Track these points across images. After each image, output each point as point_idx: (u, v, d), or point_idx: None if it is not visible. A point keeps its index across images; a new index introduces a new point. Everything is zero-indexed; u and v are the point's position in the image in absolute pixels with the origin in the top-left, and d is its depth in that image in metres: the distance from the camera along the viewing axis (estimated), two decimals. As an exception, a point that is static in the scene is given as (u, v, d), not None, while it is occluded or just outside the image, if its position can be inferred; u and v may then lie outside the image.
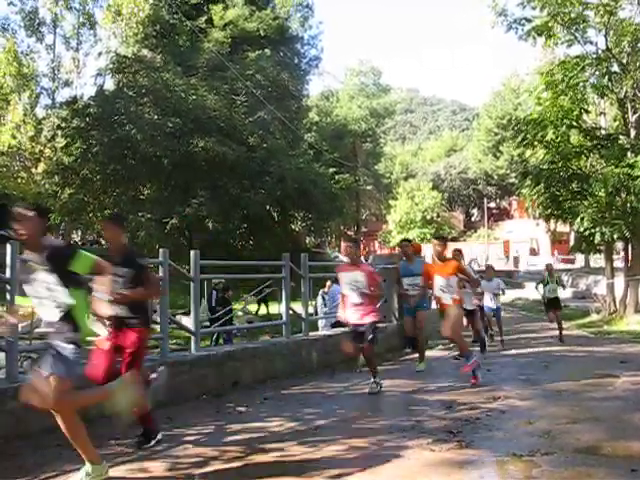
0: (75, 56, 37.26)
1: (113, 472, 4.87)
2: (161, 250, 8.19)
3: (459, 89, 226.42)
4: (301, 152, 33.16)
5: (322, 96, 60.76)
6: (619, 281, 20.45)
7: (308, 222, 34.24)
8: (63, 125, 27.21)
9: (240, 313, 22.44)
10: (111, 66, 26.60)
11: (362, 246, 65.96)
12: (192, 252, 8.70)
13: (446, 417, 6.47)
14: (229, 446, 5.61)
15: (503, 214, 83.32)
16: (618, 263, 23.65)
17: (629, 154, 19.07)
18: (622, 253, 23.28)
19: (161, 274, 8.09)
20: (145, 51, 27.29)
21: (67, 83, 37.62)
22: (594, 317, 20.32)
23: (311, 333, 10.73)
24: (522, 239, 64.36)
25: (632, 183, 17.49)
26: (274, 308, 17.95)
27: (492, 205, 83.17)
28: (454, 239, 72.63)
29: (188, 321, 9.44)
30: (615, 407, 6.80)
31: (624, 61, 19.76)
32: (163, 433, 6.05)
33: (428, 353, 12.48)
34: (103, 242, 46.76)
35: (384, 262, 13.66)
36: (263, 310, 21.75)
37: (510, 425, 6.13)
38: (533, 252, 64.59)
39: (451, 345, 13.64)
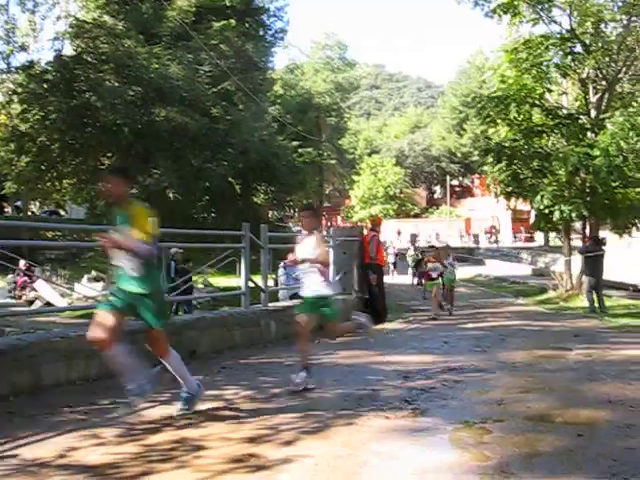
0: (31, 19, 36.22)
1: (65, 439, 4.82)
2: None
3: (425, 66, 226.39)
4: (265, 125, 32.89)
5: (287, 69, 60.35)
6: (576, 259, 20.78)
7: (270, 195, 34.14)
8: (19, 90, 26.48)
9: (201, 285, 22.39)
10: (70, 30, 25.90)
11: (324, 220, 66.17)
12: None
13: (402, 387, 6.53)
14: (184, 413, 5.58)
15: (465, 192, 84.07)
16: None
17: (589, 134, 19.32)
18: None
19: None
20: (106, 17, 26.60)
21: (23, 47, 36.50)
22: (551, 294, 20.67)
23: (270, 304, 10.71)
24: (484, 217, 64.98)
25: (591, 162, 17.70)
26: (234, 281, 17.85)
27: (455, 183, 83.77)
28: (416, 215, 73.21)
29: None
30: (567, 378, 6.95)
31: (587, 42, 19.92)
32: (118, 401, 6.02)
33: (387, 325, 12.64)
34: (62, 212, 46.09)
35: (345, 234, 13.68)
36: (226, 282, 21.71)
37: (464, 394, 6.22)
38: (494, 230, 65.31)
39: (411, 318, 13.83)
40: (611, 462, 4.08)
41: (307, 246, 6.98)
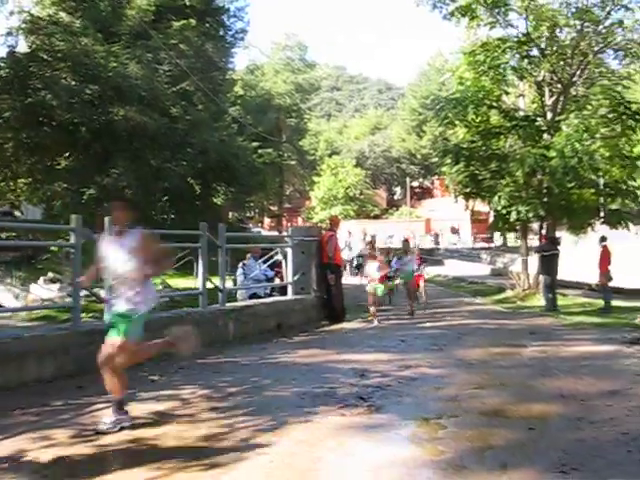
0: (-18, 13, 35.25)
1: (15, 442, 4.74)
2: (73, 216, 7.92)
3: (386, 68, 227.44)
4: (225, 125, 32.79)
5: (247, 70, 60.21)
6: (534, 259, 21.07)
7: (230, 196, 34.01)
8: (-30, 87, 25.86)
9: (159, 287, 22.16)
10: (24, 26, 25.32)
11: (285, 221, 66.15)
12: (106, 218, 8.47)
13: (358, 384, 6.56)
14: (139, 413, 5.52)
15: (425, 193, 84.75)
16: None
17: (545, 136, 19.61)
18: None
19: (73, 241, 7.85)
20: (63, 14, 26.06)
21: (-27, 42, 35.61)
22: (509, 293, 20.90)
23: (228, 304, 10.66)
24: (444, 218, 65.53)
25: (547, 164, 17.97)
26: (193, 283, 17.73)
27: (415, 184, 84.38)
28: (376, 216, 73.53)
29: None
30: (521, 374, 7.05)
31: (542, 46, 20.26)
32: (71, 402, 5.94)
33: (345, 325, 12.67)
34: (17, 214, 45.15)
35: (303, 234, 13.67)
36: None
37: (420, 391, 6.28)
38: (454, 231, 65.97)
39: (369, 318, 13.87)
40: (561, 453, 4.17)
41: (123, 251, 5.34)
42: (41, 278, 23.38)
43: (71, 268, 8.07)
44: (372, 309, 13.19)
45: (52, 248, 23.72)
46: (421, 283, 16.79)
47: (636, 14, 19.56)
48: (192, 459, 4.30)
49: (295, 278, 12.87)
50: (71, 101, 23.35)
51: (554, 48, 20.21)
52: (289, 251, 13.09)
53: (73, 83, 24.08)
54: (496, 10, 19.91)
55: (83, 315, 8.99)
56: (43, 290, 20.82)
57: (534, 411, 5.43)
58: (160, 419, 5.35)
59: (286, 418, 5.29)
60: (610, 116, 19.11)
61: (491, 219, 27.02)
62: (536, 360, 8.02)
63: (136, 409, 5.66)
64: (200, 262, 10.00)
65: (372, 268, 13.70)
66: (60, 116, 23.62)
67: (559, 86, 20.35)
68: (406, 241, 17.30)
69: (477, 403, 5.68)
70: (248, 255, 14.20)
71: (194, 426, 5.13)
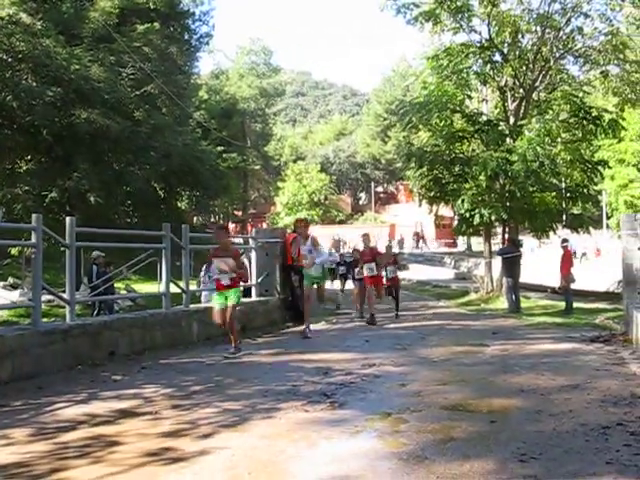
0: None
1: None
2: (34, 215, 7.80)
3: (351, 74, 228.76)
4: (189, 129, 32.73)
5: (212, 74, 60.11)
6: (497, 262, 21.29)
7: (194, 200, 33.95)
8: None
9: (124, 292, 21.94)
10: (-19, 25, 24.91)
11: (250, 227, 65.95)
12: (68, 218, 8.37)
13: (321, 382, 6.56)
14: (100, 411, 5.46)
15: (390, 198, 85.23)
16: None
17: (508, 140, 19.89)
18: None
19: (34, 240, 7.73)
20: (23, 15, 25.71)
21: None
22: (473, 296, 21.10)
23: (192, 305, 10.60)
24: (408, 223, 65.92)
25: (510, 167, 18.22)
26: (158, 287, 17.54)
27: (379, 189, 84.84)
28: (341, 222, 73.73)
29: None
30: (483, 371, 7.12)
31: (505, 51, 20.57)
32: (31, 402, 5.85)
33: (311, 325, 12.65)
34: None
35: (268, 236, 13.67)
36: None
37: (383, 388, 6.30)
38: (419, 236, 66.35)
39: (333, 320, 13.89)
40: (521, 444, 4.21)
41: None
42: (1, 283, 22.97)
43: (32, 271, 7.93)
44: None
45: (12, 252, 23.34)
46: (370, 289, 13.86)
47: (595, 22, 20.04)
48: (154, 454, 4.26)
49: (259, 280, 12.85)
50: (32, 103, 23.05)
51: (516, 53, 20.58)
52: (253, 253, 13.06)
53: (34, 85, 23.76)
54: (459, 15, 20.17)
55: (45, 320, 8.85)
56: (3, 294, 20.46)
57: (495, 405, 5.48)
58: (121, 416, 5.29)
59: (249, 414, 5.27)
60: (571, 121, 19.51)
61: (455, 223, 27.25)
62: (498, 358, 8.10)
63: (97, 407, 5.63)
64: (163, 263, 9.91)
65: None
66: (21, 118, 23.32)
67: (521, 91, 20.68)
68: (299, 221, 12.96)
69: (439, 398, 5.71)
70: (212, 257, 14.12)
71: (156, 423, 5.08)
